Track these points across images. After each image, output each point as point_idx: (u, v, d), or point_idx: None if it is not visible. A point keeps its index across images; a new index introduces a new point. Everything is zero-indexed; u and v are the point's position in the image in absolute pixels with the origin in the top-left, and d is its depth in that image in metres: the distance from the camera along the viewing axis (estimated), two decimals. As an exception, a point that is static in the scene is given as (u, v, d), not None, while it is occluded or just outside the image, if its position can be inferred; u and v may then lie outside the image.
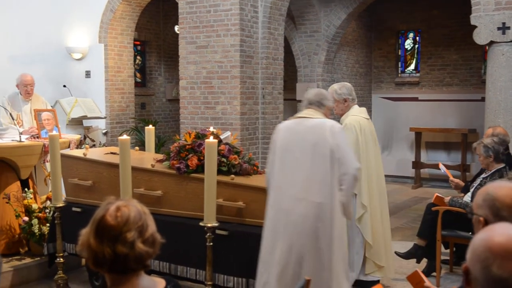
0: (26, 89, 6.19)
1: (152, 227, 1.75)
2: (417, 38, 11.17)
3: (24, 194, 5.21)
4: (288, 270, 3.41)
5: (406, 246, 5.74)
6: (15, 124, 5.76)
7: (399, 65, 11.39)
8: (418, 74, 11.13)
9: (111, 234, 1.65)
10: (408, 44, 11.33)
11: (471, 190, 4.90)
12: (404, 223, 7.54)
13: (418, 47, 11.18)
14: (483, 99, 7.03)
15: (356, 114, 4.57)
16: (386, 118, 11.26)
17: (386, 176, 10.99)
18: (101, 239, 1.65)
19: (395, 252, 5.38)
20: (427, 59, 10.93)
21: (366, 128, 4.57)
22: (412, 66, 11.32)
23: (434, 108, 10.74)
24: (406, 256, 5.26)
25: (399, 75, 11.36)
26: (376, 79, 11.49)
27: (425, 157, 10.65)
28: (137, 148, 5.19)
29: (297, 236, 3.42)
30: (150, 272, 2.00)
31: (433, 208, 4.99)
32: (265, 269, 3.50)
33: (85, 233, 1.72)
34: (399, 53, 11.38)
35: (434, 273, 5.06)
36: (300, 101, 9.97)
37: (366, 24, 11.21)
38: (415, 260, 5.27)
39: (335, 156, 3.41)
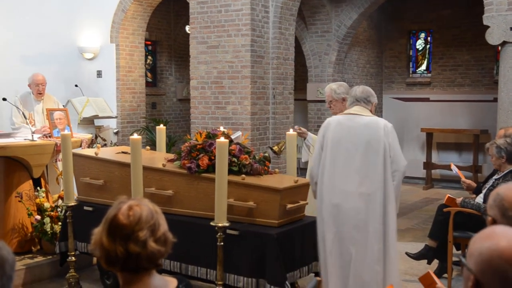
0: (37, 88, 6.25)
1: (164, 226, 1.76)
2: (429, 38, 11.12)
3: (36, 193, 5.25)
4: (340, 258, 3.67)
5: (417, 247, 5.71)
6: (27, 123, 5.82)
7: (410, 66, 11.34)
8: (429, 75, 11.07)
9: (123, 233, 1.66)
10: (420, 44, 11.27)
11: (483, 191, 4.87)
12: (415, 224, 7.50)
13: (429, 47, 11.12)
14: (495, 100, 6.98)
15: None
16: (397, 119, 11.20)
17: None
18: (113, 238, 1.66)
19: (406, 253, 5.36)
20: (438, 59, 10.87)
21: None
22: (424, 67, 11.26)
23: (446, 109, 10.68)
24: (417, 257, 5.24)
25: (410, 75, 11.31)
26: (387, 79, 11.45)
27: (436, 158, 10.60)
28: (148, 147, 5.21)
29: (347, 228, 3.66)
30: (160, 271, 2.00)
31: (445, 209, 4.96)
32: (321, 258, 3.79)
33: (98, 232, 1.73)
34: (410, 53, 11.33)
35: (445, 275, 5.03)
36: (310, 101, 9.96)
37: (377, 24, 11.17)
38: (426, 261, 5.25)
39: (387, 153, 3.67)
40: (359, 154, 3.68)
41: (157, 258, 1.70)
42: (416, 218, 7.88)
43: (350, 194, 3.64)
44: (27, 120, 5.95)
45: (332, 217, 3.68)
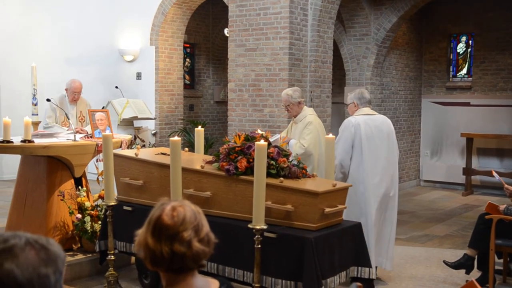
0: (73, 95, 6.48)
1: (206, 226, 1.78)
2: (470, 41, 10.89)
3: (77, 192, 5.36)
4: (379, 217, 4.95)
5: (456, 254, 5.61)
6: (57, 123, 6.08)
7: (451, 69, 11.13)
8: (470, 79, 10.84)
9: (168, 233, 1.68)
10: (460, 47, 11.06)
11: (527, 199, 4.74)
12: (454, 231, 7.36)
13: (470, 51, 10.90)
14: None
15: (312, 113, 5.42)
16: (436, 123, 11.03)
17: (435, 182, 10.84)
18: (158, 238, 1.68)
19: (444, 261, 5.26)
20: (480, 63, 10.63)
21: (320, 123, 5.47)
22: (464, 71, 11.03)
23: (487, 114, 10.44)
24: (456, 266, 5.13)
25: (451, 79, 11.10)
26: (426, 83, 11.27)
27: (476, 163, 10.37)
28: (186, 149, 5.26)
29: (384, 198, 4.91)
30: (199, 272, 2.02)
31: (487, 217, 4.84)
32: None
33: (142, 233, 1.74)
34: (451, 57, 11.12)
35: (487, 284, 4.91)
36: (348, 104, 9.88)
37: (417, 27, 11.01)
38: (464, 270, 5.13)
39: (395, 141, 5.09)
40: (384, 145, 4.92)
41: (201, 258, 1.72)
42: (455, 224, 7.73)
43: (383, 175, 4.88)
44: (63, 122, 6.25)
45: (374, 192, 4.82)
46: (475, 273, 5.10)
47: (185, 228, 1.69)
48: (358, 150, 4.84)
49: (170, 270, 1.71)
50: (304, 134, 5.21)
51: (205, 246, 1.72)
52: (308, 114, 5.35)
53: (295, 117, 5.40)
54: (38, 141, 5.20)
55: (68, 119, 6.04)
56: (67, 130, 6.00)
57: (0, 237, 1.34)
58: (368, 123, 4.87)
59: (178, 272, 1.71)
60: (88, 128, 5.95)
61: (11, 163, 8.52)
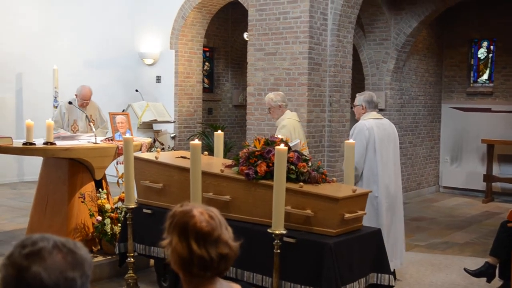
0: (82, 103, 6.53)
1: (229, 227, 1.80)
2: (491, 47, 10.78)
3: (98, 194, 5.41)
4: (389, 218, 5.10)
5: (476, 262, 5.55)
6: (67, 126, 6.39)
7: (471, 75, 11.01)
8: (491, 84, 10.72)
9: (212, 238, 1.70)
10: (482, 53, 10.94)
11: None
12: (475, 238, 7.27)
13: (492, 56, 10.78)
14: None
15: (290, 117, 5.60)
16: (456, 129, 10.92)
17: (454, 188, 10.71)
18: (204, 245, 1.70)
19: (465, 269, 5.20)
20: (501, 69, 10.51)
21: (298, 127, 5.62)
22: (485, 76, 10.92)
23: (509, 120, 10.31)
24: (477, 274, 5.06)
25: (471, 85, 10.98)
26: (446, 88, 11.17)
27: (497, 170, 10.24)
28: (206, 152, 5.27)
29: (392, 198, 5.08)
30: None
31: (509, 224, 4.78)
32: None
33: (176, 243, 1.70)
34: (472, 62, 11.01)
35: (508, 293, 4.84)
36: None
37: (437, 32, 10.92)
38: (485, 278, 5.07)
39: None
40: (392, 148, 5.15)
41: (235, 257, 1.76)
42: (475, 232, 7.64)
43: (392, 176, 5.10)
44: (71, 126, 6.49)
45: (384, 193, 5.01)
46: (496, 282, 5.03)
47: (221, 230, 1.73)
48: (372, 152, 5.02)
49: (217, 273, 1.74)
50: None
51: (236, 243, 1.78)
52: (286, 118, 5.56)
53: (276, 120, 5.68)
54: (59, 143, 5.26)
55: (83, 121, 6.12)
56: (74, 134, 6.19)
57: (29, 239, 1.36)
58: (379, 127, 5.08)
59: (221, 273, 1.75)
60: (100, 132, 6.11)
61: (33, 165, 8.63)
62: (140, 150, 5.72)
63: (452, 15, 10.61)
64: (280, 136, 5.19)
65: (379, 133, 5.04)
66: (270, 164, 4.10)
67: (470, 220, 8.41)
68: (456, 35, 10.91)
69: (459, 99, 10.98)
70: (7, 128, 8.79)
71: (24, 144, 5.08)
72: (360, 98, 5.23)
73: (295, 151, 4.32)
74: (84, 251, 1.39)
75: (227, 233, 1.75)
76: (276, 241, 3.72)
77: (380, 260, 4.09)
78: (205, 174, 4.29)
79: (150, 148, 6.45)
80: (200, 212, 1.73)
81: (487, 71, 10.89)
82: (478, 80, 10.96)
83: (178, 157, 4.93)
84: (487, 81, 10.86)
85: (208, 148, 8.76)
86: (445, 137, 11.09)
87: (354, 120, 9.73)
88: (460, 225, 8.04)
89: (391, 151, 5.13)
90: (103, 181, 5.64)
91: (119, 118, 5.86)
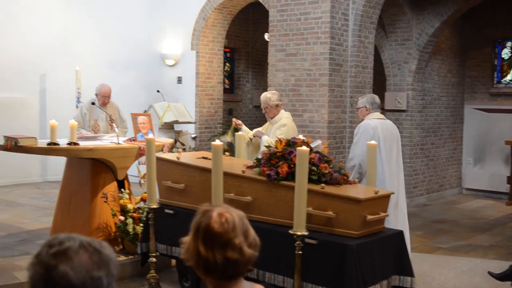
0: (103, 100, 6.60)
1: (252, 230, 1.76)
2: (516, 47, 10.61)
3: (120, 194, 5.45)
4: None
5: (501, 266, 5.47)
6: (88, 127, 6.51)
7: (495, 75, 10.86)
8: (515, 85, 10.57)
9: (220, 241, 1.66)
10: (506, 53, 10.78)
11: None
12: (499, 241, 7.16)
13: (516, 56, 10.62)
14: None
15: (287, 116, 5.75)
16: (479, 130, 10.77)
17: (477, 190, 10.57)
18: (211, 247, 1.66)
19: (489, 273, 5.13)
20: (526, 69, 10.35)
21: (295, 128, 5.80)
22: (509, 77, 10.75)
23: (533, 121, 10.15)
24: (501, 278, 5.00)
25: (495, 85, 10.83)
26: (469, 89, 11.03)
27: (521, 172, 10.08)
28: (227, 153, 5.28)
29: (396, 192, 5.02)
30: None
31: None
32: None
33: (190, 241, 1.71)
34: (495, 63, 10.85)
35: (533, 297, 4.77)
36: (388, 110, 9.76)
37: (460, 32, 10.79)
38: (510, 282, 4.99)
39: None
40: (395, 148, 5.28)
41: (251, 263, 1.71)
42: (499, 235, 7.52)
43: (395, 174, 5.20)
44: (92, 126, 6.58)
45: (391, 188, 4.95)
46: (521, 285, 4.96)
47: (235, 234, 1.68)
48: (377, 151, 5.03)
49: (224, 277, 1.70)
50: (277, 133, 5.50)
51: (254, 250, 1.72)
52: (284, 117, 5.71)
53: (272, 119, 5.73)
54: (83, 144, 5.32)
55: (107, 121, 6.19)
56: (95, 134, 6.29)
57: (56, 239, 1.38)
58: (383, 127, 5.19)
59: (230, 278, 1.71)
60: (120, 131, 6.19)
61: (56, 164, 8.75)
62: (162, 150, 5.75)
63: (475, 15, 10.47)
64: (280, 134, 5.39)
65: (383, 132, 5.15)
66: (292, 165, 4.09)
67: (493, 223, 8.29)
68: (479, 35, 10.77)
69: (482, 100, 10.84)
70: (31, 128, 8.92)
71: (48, 144, 5.15)
72: (363, 100, 5.36)
73: (317, 152, 4.30)
74: (110, 251, 1.40)
75: (243, 239, 1.69)
76: (297, 242, 3.71)
77: (402, 262, 4.05)
78: (226, 174, 4.29)
79: (171, 148, 6.49)
80: (219, 213, 1.70)
81: (511, 72, 10.73)
82: (502, 80, 10.81)
83: (200, 158, 4.95)
84: (511, 82, 10.70)
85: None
86: (468, 139, 10.95)
87: (375, 121, 9.66)
88: (484, 228, 7.93)
89: (394, 150, 5.25)
90: (125, 181, 5.69)
91: (141, 119, 5.91)
